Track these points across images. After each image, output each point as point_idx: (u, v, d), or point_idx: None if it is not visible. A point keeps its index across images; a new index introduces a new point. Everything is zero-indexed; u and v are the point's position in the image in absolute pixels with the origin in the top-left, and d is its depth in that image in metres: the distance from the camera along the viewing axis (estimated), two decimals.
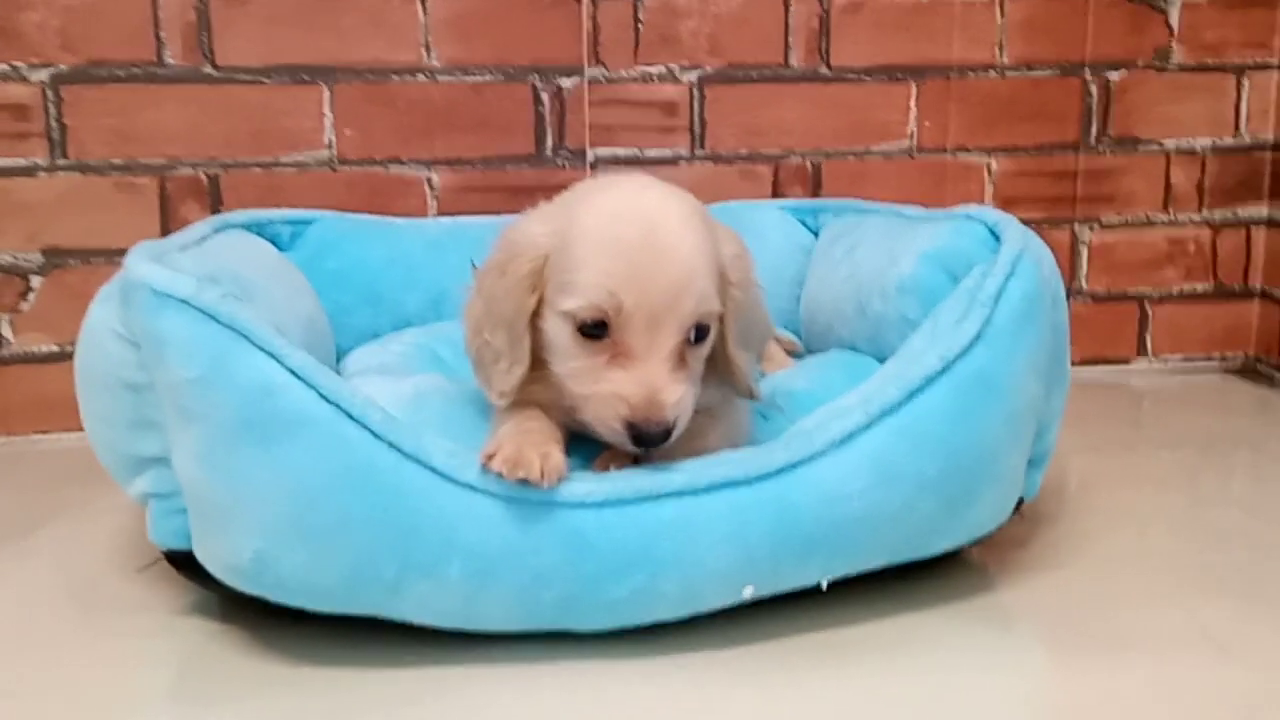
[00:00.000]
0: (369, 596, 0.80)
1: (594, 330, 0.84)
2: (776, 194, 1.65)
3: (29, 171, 1.46)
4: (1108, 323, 1.77)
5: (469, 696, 0.78)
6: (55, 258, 1.48)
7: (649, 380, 0.83)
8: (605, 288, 0.82)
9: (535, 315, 0.88)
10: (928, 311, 0.99)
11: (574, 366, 0.86)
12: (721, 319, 0.89)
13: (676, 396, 0.83)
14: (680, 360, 0.85)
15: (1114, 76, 1.70)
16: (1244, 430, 1.51)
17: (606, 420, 0.84)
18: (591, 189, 0.91)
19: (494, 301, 0.90)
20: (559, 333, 0.86)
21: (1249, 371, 1.79)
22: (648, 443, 0.83)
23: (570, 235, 0.85)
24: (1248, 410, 1.60)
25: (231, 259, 1.01)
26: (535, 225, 0.89)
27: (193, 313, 0.77)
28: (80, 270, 1.48)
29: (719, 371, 0.93)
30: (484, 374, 0.92)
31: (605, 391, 0.83)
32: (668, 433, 0.83)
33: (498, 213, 1.40)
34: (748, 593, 0.83)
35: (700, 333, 0.87)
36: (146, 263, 0.79)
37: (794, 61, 1.62)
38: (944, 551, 0.91)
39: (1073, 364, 1.67)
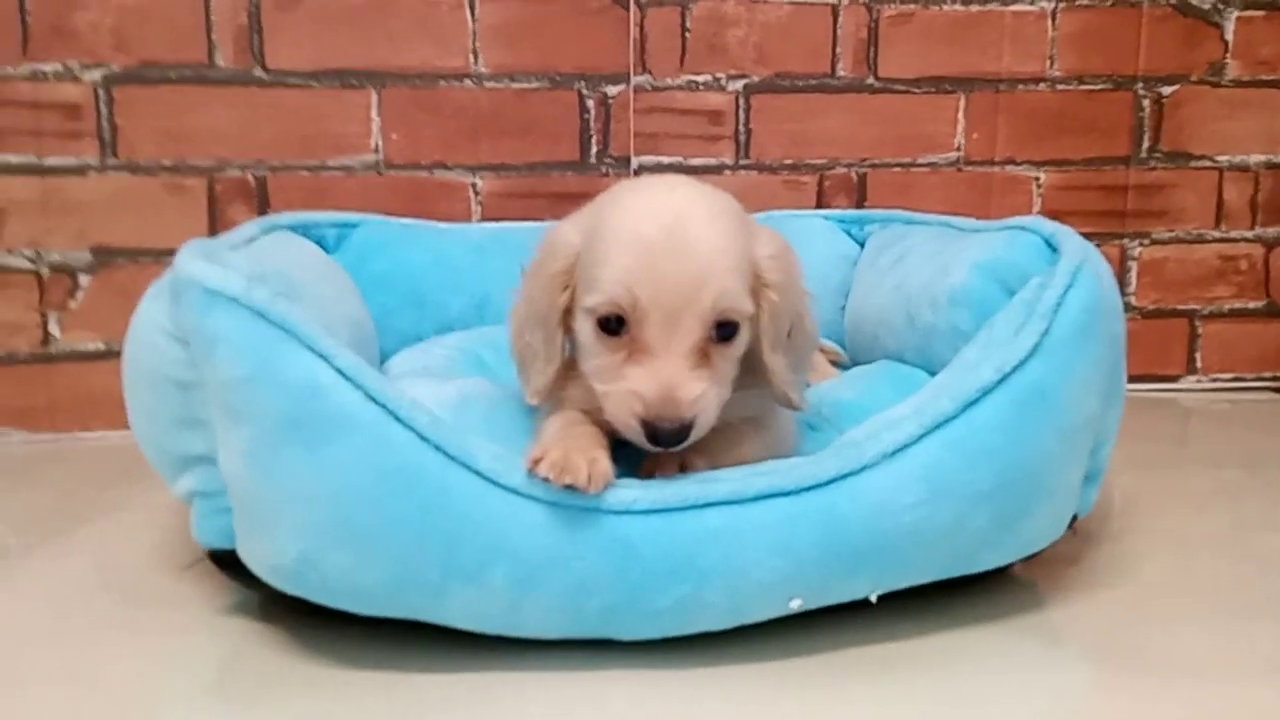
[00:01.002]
0: (412, 600, 0.79)
1: (613, 327, 0.84)
2: (821, 204, 1.64)
3: (80, 171, 1.48)
4: (1157, 339, 1.74)
5: (510, 702, 0.77)
6: (104, 256, 1.49)
7: (665, 377, 0.82)
8: (622, 283, 0.82)
9: (568, 315, 0.89)
10: (979, 323, 0.97)
11: (596, 364, 0.86)
12: (755, 321, 0.87)
13: (694, 394, 0.82)
14: (703, 358, 0.84)
15: (1166, 90, 1.68)
16: None
17: (623, 418, 0.83)
18: (624, 189, 0.91)
19: (532, 301, 0.91)
20: (584, 330, 0.86)
21: None
22: (664, 441, 0.82)
23: (598, 234, 0.86)
24: None
25: (280, 259, 1.01)
26: (570, 226, 0.90)
27: (243, 311, 0.77)
28: (128, 269, 1.50)
29: (758, 378, 0.92)
30: (523, 374, 0.93)
31: (622, 389, 0.83)
32: (684, 430, 0.81)
33: (541, 219, 1.40)
34: (795, 605, 0.82)
35: (726, 331, 0.85)
36: (198, 260, 0.79)
37: (841, 71, 1.61)
38: (995, 567, 0.89)
39: None
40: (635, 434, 0.83)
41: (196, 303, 0.77)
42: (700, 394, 0.82)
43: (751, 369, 0.90)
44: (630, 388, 0.82)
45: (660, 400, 0.81)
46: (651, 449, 0.84)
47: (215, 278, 0.77)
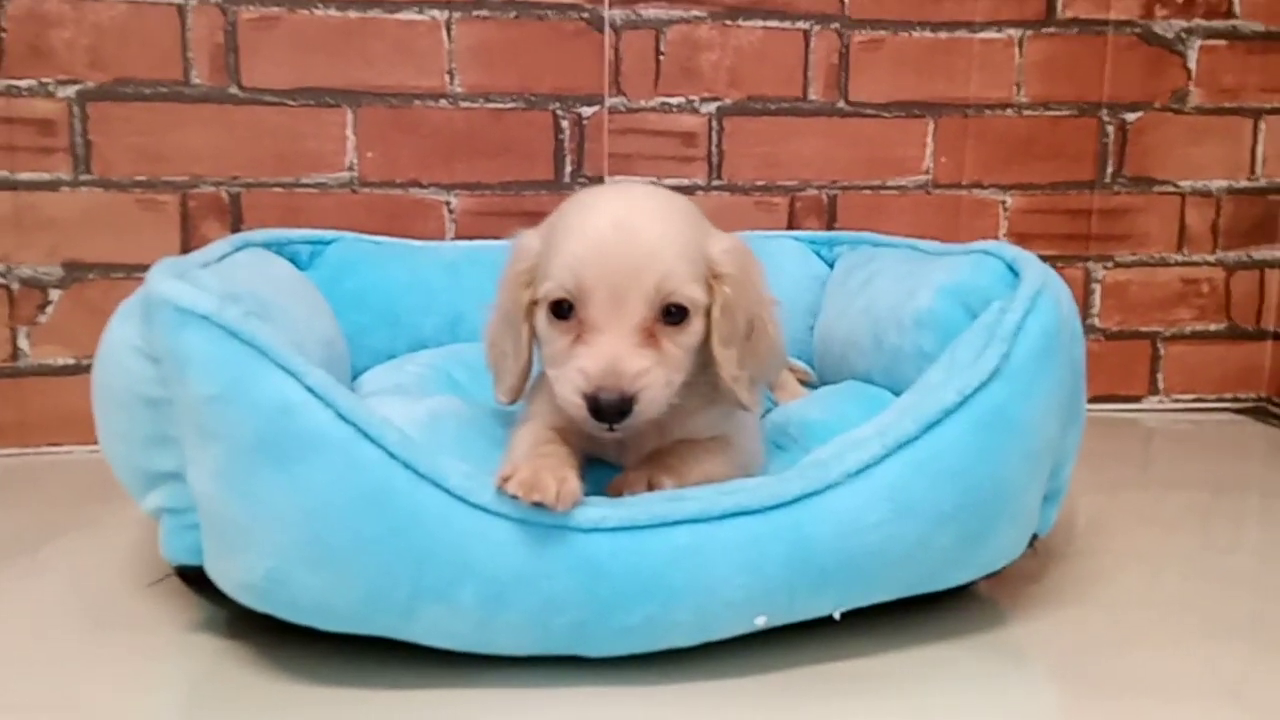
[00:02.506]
0: (381, 618, 0.79)
1: (564, 311, 0.87)
2: (792, 225, 1.66)
3: (53, 186, 1.47)
4: (1120, 360, 1.77)
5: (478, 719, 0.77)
6: (75, 271, 1.49)
7: (608, 352, 0.84)
8: (570, 268, 0.85)
9: (530, 316, 0.92)
10: (944, 345, 0.99)
11: (549, 351, 0.89)
12: (707, 313, 0.89)
13: (638, 368, 0.84)
14: (649, 338, 0.86)
15: (1131, 117, 1.71)
16: (1255, 473, 1.51)
17: (568, 396, 0.84)
18: (583, 193, 0.95)
19: (501, 306, 0.96)
20: (540, 321, 0.89)
21: (1261, 413, 1.79)
22: (607, 414, 0.83)
23: (553, 232, 0.90)
24: (1259, 452, 1.60)
25: (252, 277, 1.01)
26: (533, 231, 0.95)
27: (214, 330, 0.77)
28: (100, 284, 1.49)
29: (714, 379, 0.93)
30: (496, 378, 0.98)
31: (569, 368, 0.85)
32: (626, 402, 0.83)
33: (515, 237, 1.41)
34: (760, 622, 0.83)
35: (674, 314, 0.87)
36: (170, 279, 0.80)
37: (813, 95, 1.64)
38: (958, 585, 0.90)
39: None
40: (579, 410, 0.84)
41: (169, 321, 0.78)
42: (644, 370, 0.84)
43: (715, 378, 0.92)
44: (575, 365, 0.84)
45: (602, 373, 0.83)
46: (601, 432, 0.86)
47: (187, 297, 0.78)
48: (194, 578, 0.87)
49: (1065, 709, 0.83)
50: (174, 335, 0.77)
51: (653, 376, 0.84)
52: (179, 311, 0.77)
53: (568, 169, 1.59)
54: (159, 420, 0.83)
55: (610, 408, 0.83)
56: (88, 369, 0.91)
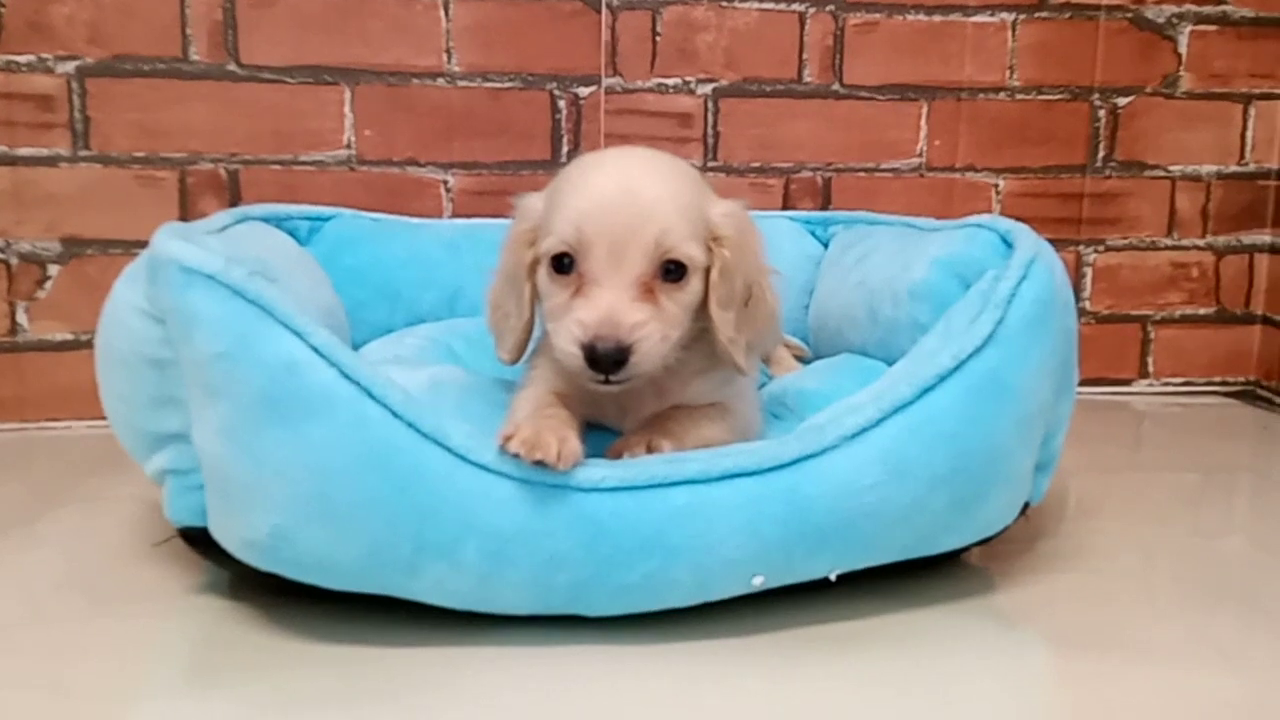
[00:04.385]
0: (385, 576, 0.80)
1: (564, 265, 0.88)
2: (787, 206, 1.67)
3: (51, 162, 1.48)
4: (1110, 344, 1.79)
5: (481, 677, 0.78)
6: (74, 247, 1.49)
7: (606, 303, 0.85)
8: (572, 222, 0.86)
9: (532, 275, 0.93)
10: (939, 317, 1.00)
11: (549, 307, 0.89)
12: (706, 275, 0.90)
13: (635, 319, 0.84)
14: (648, 293, 0.87)
15: (1122, 102, 1.73)
16: (1245, 455, 1.53)
17: (566, 347, 0.85)
18: (585, 156, 0.97)
19: (504, 268, 0.97)
20: (542, 278, 0.90)
21: (1250, 396, 1.81)
22: (603, 364, 0.84)
23: (555, 192, 0.91)
24: (1248, 435, 1.61)
25: (254, 245, 1.02)
26: (536, 194, 0.96)
27: (220, 289, 0.78)
28: (98, 260, 1.50)
29: (712, 343, 0.94)
30: (498, 339, 0.99)
31: (567, 320, 0.86)
32: (623, 352, 0.84)
33: (512, 216, 1.42)
34: (758, 582, 0.84)
35: (673, 271, 0.88)
36: (175, 240, 0.80)
37: (808, 77, 1.65)
38: (951, 550, 0.92)
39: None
40: (576, 361, 0.85)
41: (174, 280, 0.78)
42: (641, 322, 0.85)
43: (713, 344, 0.93)
44: (574, 316, 0.85)
45: (599, 322, 0.84)
46: (598, 386, 0.86)
47: (193, 256, 0.78)
48: (198, 539, 0.88)
49: (1053, 670, 0.84)
50: (180, 294, 0.78)
51: (649, 329, 0.85)
52: (185, 271, 0.78)
53: (564, 149, 1.60)
54: (163, 381, 0.83)
55: (606, 357, 0.83)
56: (86, 344, 0.92)
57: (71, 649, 0.84)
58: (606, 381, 0.85)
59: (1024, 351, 0.88)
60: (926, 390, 0.86)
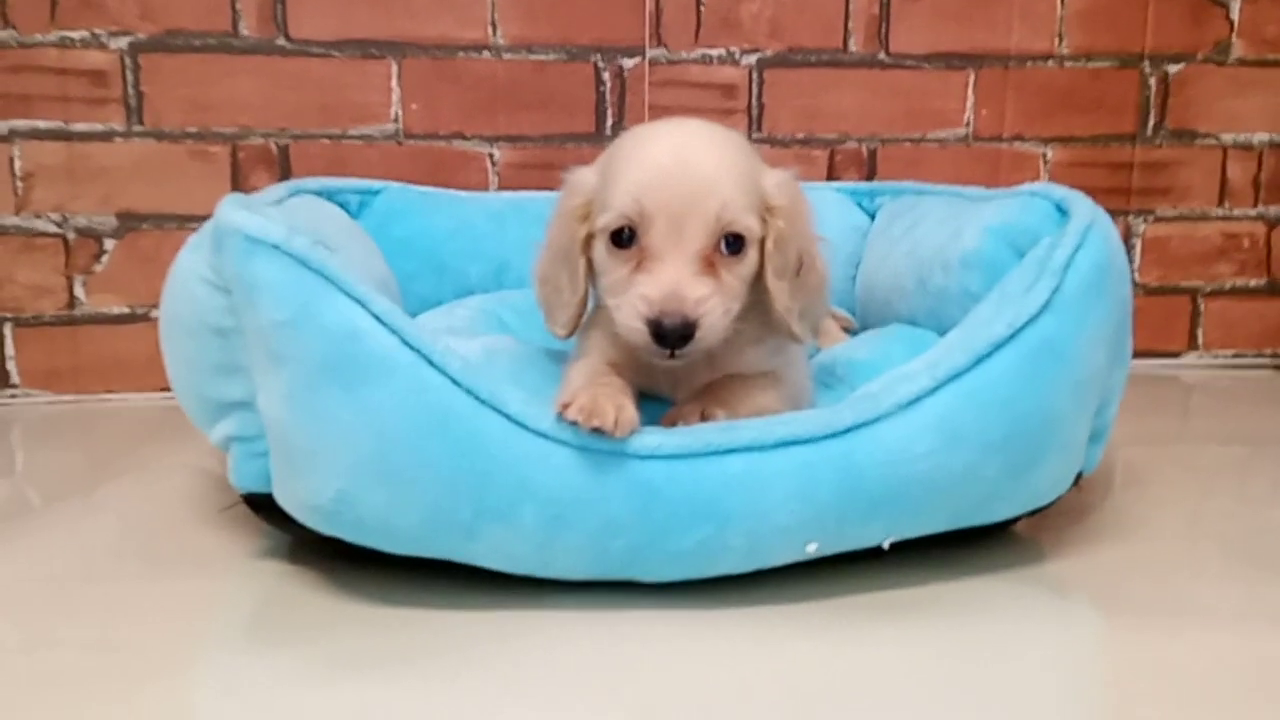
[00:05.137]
0: (444, 539, 0.82)
1: (624, 239, 0.88)
2: (832, 177, 1.67)
3: (106, 137, 1.50)
4: (1159, 315, 1.77)
5: (536, 640, 0.80)
6: (129, 221, 1.52)
7: (670, 278, 0.85)
8: (632, 195, 0.86)
9: (587, 250, 0.92)
10: (990, 285, 1.00)
11: (609, 280, 0.90)
12: (761, 245, 0.91)
13: (699, 294, 0.85)
14: (709, 267, 0.87)
15: (1173, 69, 1.70)
16: None
17: (630, 323, 0.86)
18: (636, 129, 0.96)
19: (554, 243, 0.96)
20: (599, 252, 0.91)
21: None
22: (669, 338, 0.84)
23: (611, 165, 0.91)
24: None
25: (311, 217, 1.04)
26: (586, 168, 0.96)
27: (284, 258, 0.79)
28: (153, 234, 1.52)
29: (773, 328, 0.95)
30: (550, 314, 0.98)
31: (631, 295, 0.86)
32: (689, 328, 0.84)
33: (558, 189, 1.42)
34: (811, 549, 0.85)
35: (732, 244, 0.88)
36: (240, 210, 0.82)
37: (853, 47, 1.64)
38: (1005, 519, 0.92)
39: None
40: (641, 336, 0.85)
41: (239, 250, 0.80)
42: (705, 296, 0.85)
43: (765, 313, 0.93)
44: (639, 291, 0.86)
45: (664, 297, 0.84)
46: (662, 360, 0.87)
47: (257, 226, 0.80)
48: (262, 504, 0.90)
49: (1104, 636, 0.85)
50: (244, 263, 0.80)
51: (713, 304, 0.86)
52: (249, 240, 0.79)
53: (609, 121, 1.61)
54: (228, 349, 0.85)
55: (673, 332, 0.84)
56: (142, 317, 0.93)
57: (135, 609, 0.86)
58: (671, 356, 0.86)
59: (1080, 319, 0.88)
60: (982, 358, 0.85)
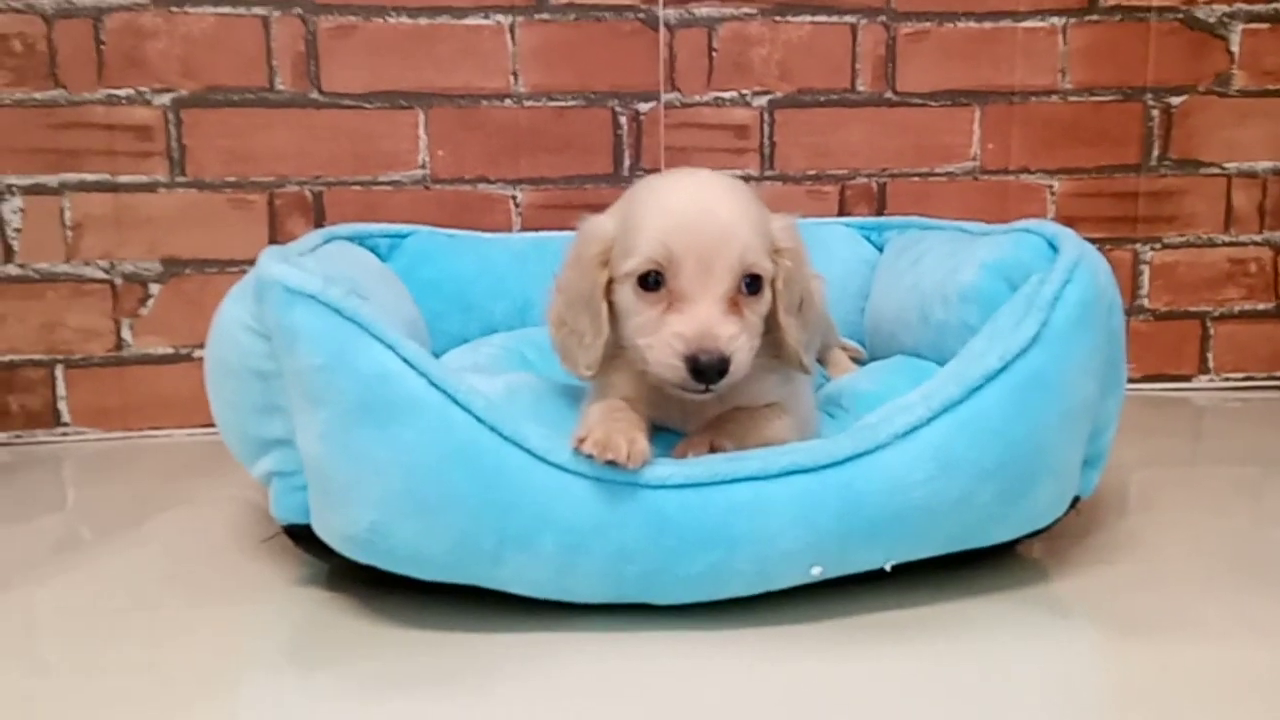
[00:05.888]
0: (471, 566, 0.87)
1: (652, 283, 0.93)
2: (843, 213, 1.72)
3: (150, 188, 1.58)
4: (1169, 340, 1.80)
5: (558, 661, 0.84)
6: (173, 267, 1.60)
7: (702, 317, 0.90)
8: (659, 240, 0.92)
9: (608, 294, 0.97)
10: (987, 318, 1.04)
11: (637, 322, 0.94)
12: (773, 284, 0.96)
13: (730, 331, 0.90)
14: (733, 306, 0.92)
15: (1175, 101, 1.74)
16: None
17: (666, 360, 0.91)
18: (650, 179, 1.02)
19: (572, 288, 1.00)
20: (624, 295, 0.95)
21: None
22: (706, 375, 0.89)
23: (630, 213, 0.96)
24: None
25: (344, 264, 1.10)
26: (603, 216, 1.00)
27: (320, 307, 0.85)
28: (196, 279, 1.60)
29: (780, 359, 1.00)
30: (570, 358, 1.02)
31: (664, 334, 0.91)
32: (724, 363, 0.89)
33: (584, 221, 1.48)
34: (816, 572, 0.89)
35: (751, 284, 0.94)
36: (279, 263, 0.88)
37: (861, 86, 1.70)
38: (1002, 542, 0.96)
39: (1134, 380, 1.74)
40: (678, 373, 0.90)
41: (279, 300, 0.86)
42: (735, 334, 0.91)
43: (774, 348, 0.99)
44: (672, 330, 0.91)
45: (700, 335, 0.89)
46: (695, 394, 0.92)
47: (295, 278, 0.86)
48: (301, 535, 0.95)
49: (1105, 656, 0.87)
50: (284, 312, 0.86)
51: (742, 340, 0.91)
52: (288, 291, 0.86)
53: (626, 162, 1.67)
54: (268, 391, 0.91)
55: (710, 368, 0.89)
56: (186, 357, 0.99)
57: (180, 635, 0.91)
58: (705, 390, 0.91)
59: (1068, 352, 0.92)
60: (974, 390, 0.90)
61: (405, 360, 0.85)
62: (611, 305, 0.98)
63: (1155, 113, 1.74)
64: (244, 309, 0.92)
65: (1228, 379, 1.82)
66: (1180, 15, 1.72)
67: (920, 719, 0.75)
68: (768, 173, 1.70)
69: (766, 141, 1.69)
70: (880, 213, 1.72)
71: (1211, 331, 1.81)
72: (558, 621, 0.89)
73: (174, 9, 1.55)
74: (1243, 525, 1.18)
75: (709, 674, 0.82)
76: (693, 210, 0.93)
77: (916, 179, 1.73)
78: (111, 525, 1.21)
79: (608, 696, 0.79)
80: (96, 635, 0.91)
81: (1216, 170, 1.77)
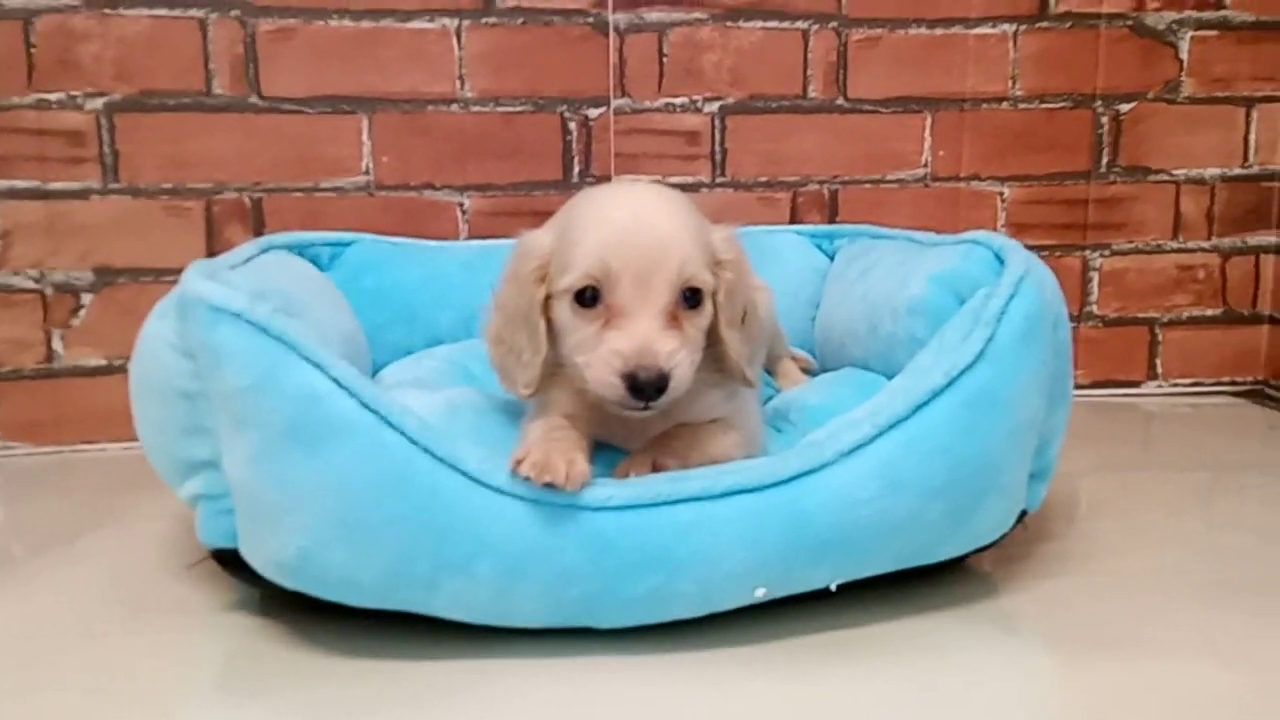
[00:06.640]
0: (405, 592, 0.85)
1: (588, 299, 0.91)
2: (794, 220, 1.71)
3: (83, 195, 1.54)
4: (1118, 346, 1.81)
5: (497, 688, 0.82)
6: (106, 276, 1.55)
7: (641, 333, 0.89)
8: (595, 255, 0.90)
9: (546, 311, 0.95)
10: (935, 331, 1.03)
11: (575, 339, 0.92)
12: (714, 297, 0.94)
13: (670, 347, 0.89)
14: (673, 321, 0.91)
15: (1124, 108, 1.75)
16: (1254, 453, 1.54)
17: (604, 378, 0.89)
18: (588, 192, 1.00)
19: (510, 305, 0.98)
20: (561, 312, 0.93)
21: (1258, 395, 1.82)
22: (644, 391, 0.88)
23: (568, 227, 0.94)
24: (1257, 434, 1.63)
25: (278, 277, 1.07)
26: (539, 231, 0.98)
27: (246, 326, 0.82)
28: (129, 288, 1.55)
29: (724, 374, 0.98)
30: (508, 376, 1.00)
31: (602, 351, 0.89)
32: (663, 380, 0.88)
33: (521, 237, 1.46)
34: (760, 593, 0.88)
35: (690, 298, 0.92)
36: (203, 280, 0.85)
37: (812, 93, 1.69)
38: (949, 558, 0.95)
39: (1084, 386, 1.74)
40: (616, 391, 0.89)
41: (203, 319, 0.83)
42: (675, 349, 0.89)
43: (717, 362, 0.97)
44: (610, 347, 0.89)
45: (638, 352, 0.88)
46: (635, 412, 0.90)
47: (220, 295, 0.83)
48: (229, 560, 0.92)
49: (1055, 671, 0.87)
50: (208, 331, 0.83)
51: (682, 355, 0.90)
52: (213, 309, 0.83)
53: (576, 169, 1.65)
54: (194, 412, 0.88)
55: (649, 385, 0.87)
56: (119, 369, 0.96)
57: (110, 660, 0.89)
58: (645, 408, 0.89)
59: (1014, 367, 0.91)
60: (920, 406, 0.89)
61: (335, 380, 0.83)
62: (550, 322, 0.96)
63: (1105, 120, 1.75)
64: (168, 326, 0.89)
65: (1176, 385, 1.83)
66: (1130, 22, 1.72)
67: None
68: (719, 179, 1.68)
69: (718, 148, 1.68)
70: (832, 219, 1.71)
71: (1160, 338, 1.82)
72: (496, 647, 0.87)
73: (107, 11, 1.50)
74: (1194, 531, 1.18)
75: (652, 698, 0.81)
76: (629, 224, 0.91)
77: (868, 186, 1.72)
78: (44, 543, 1.18)
79: None
80: (27, 658, 0.89)
81: (1165, 177, 1.78)
